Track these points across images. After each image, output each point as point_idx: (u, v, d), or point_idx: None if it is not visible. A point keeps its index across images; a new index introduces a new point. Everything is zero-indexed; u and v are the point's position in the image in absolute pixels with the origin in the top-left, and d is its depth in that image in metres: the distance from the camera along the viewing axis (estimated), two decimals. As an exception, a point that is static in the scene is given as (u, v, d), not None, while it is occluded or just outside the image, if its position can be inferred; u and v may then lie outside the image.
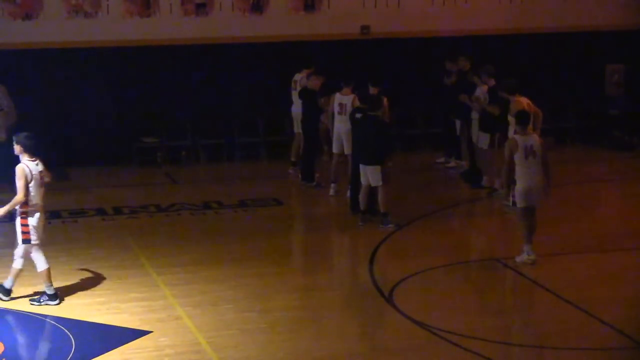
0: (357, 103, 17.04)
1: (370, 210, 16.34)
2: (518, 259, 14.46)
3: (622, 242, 15.66)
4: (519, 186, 14.35)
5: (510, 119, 16.15)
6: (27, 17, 19.58)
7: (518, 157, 14.24)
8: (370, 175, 16.06)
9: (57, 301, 12.76)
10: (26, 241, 12.72)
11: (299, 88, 19.16)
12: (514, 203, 14.98)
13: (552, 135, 21.79)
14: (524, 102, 16.38)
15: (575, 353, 11.66)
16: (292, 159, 19.66)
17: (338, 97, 17.66)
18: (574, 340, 11.97)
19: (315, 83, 18.50)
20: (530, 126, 15.02)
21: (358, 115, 16.49)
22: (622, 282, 13.96)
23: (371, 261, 14.63)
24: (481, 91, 18.06)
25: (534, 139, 14.36)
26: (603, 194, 19.33)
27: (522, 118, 14.64)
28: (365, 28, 21.20)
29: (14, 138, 12.88)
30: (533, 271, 14.21)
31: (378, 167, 15.95)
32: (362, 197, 16.32)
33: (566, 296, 13.15)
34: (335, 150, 17.90)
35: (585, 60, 22.36)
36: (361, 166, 16.20)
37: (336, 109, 17.68)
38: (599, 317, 12.44)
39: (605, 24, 22.33)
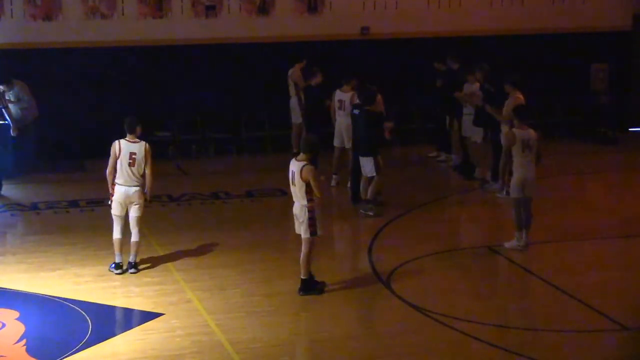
0: (355, 100, 17.01)
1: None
2: (507, 245, 14.46)
3: (607, 230, 15.66)
4: (515, 177, 14.32)
5: (506, 111, 16.15)
6: (47, 18, 19.55)
7: (515, 150, 14.23)
8: (364, 165, 16.06)
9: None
10: None
11: (291, 82, 19.40)
12: (507, 193, 15.02)
13: (541, 129, 21.77)
14: (522, 98, 16.34)
15: (561, 335, 11.63)
16: (294, 151, 19.61)
17: (338, 94, 17.62)
18: (560, 322, 11.96)
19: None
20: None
21: (355, 111, 16.48)
22: (606, 269, 13.94)
23: (370, 248, 14.61)
24: (474, 88, 17.97)
25: (530, 133, 14.34)
26: (589, 186, 19.28)
27: (521, 112, 14.63)
28: (364, 29, 21.16)
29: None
30: (522, 258, 14.20)
31: (371, 159, 15.95)
32: (363, 188, 16.32)
33: (553, 281, 13.14)
34: (336, 143, 17.81)
35: (572, 60, 22.29)
36: (360, 158, 16.19)
37: (336, 104, 17.68)
38: (584, 301, 12.42)
39: (592, 25, 22.31)
